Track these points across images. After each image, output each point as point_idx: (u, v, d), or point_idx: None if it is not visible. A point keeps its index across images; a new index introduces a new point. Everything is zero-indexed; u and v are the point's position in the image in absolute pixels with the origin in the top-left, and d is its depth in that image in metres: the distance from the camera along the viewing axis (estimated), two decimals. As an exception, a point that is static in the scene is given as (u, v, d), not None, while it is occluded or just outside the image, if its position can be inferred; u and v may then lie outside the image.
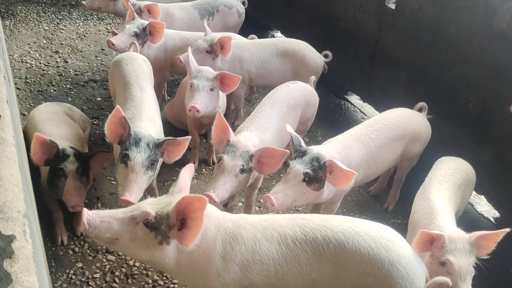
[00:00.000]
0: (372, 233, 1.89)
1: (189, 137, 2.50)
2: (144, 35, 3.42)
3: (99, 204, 3.02)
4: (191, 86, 2.97)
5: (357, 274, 1.85)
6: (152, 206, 1.77)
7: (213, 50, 3.41)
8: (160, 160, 2.52)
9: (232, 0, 4.54)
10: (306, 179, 2.35)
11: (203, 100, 2.95)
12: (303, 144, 2.47)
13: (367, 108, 4.46)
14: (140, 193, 2.37)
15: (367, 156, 2.66)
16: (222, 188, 2.45)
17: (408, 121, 2.91)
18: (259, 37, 3.99)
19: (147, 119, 2.69)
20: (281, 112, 2.96)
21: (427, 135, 3.05)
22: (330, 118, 4.24)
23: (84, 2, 4.24)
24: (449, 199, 2.40)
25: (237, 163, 2.47)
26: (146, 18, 3.69)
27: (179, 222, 1.75)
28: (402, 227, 3.22)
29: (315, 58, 3.77)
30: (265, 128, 2.81)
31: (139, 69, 3.08)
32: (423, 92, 3.58)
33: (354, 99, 4.61)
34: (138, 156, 2.35)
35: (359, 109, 4.49)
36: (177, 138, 2.46)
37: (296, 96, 3.12)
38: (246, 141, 2.55)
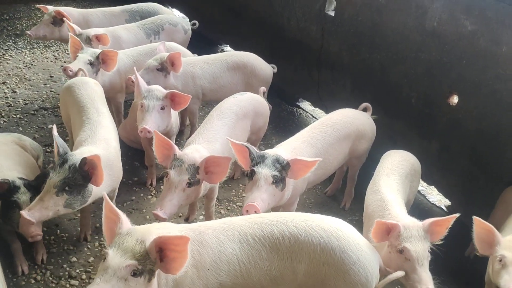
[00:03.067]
0: (323, 224, 1.99)
1: (98, 155, 2.37)
2: (98, 63, 3.44)
3: (58, 231, 2.99)
4: (141, 106, 3.00)
5: (312, 265, 1.94)
6: (126, 256, 1.70)
7: (164, 68, 3.46)
8: (90, 186, 2.45)
9: (177, 17, 4.61)
10: (275, 181, 2.42)
11: (154, 120, 2.98)
12: (256, 150, 2.53)
13: (318, 112, 4.59)
14: (44, 213, 2.33)
15: (316, 157, 2.75)
16: (170, 204, 2.47)
17: (351, 120, 3.04)
18: (209, 53, 4.07)
19: (100, 141, 2.69)
20: (230, 123, 3.02)
21: (372, 132, 3.19)
22: (284, 126, 4.34)
23: (29, 32, 4.20)
24: (398, 189, 2.52)
25: (183, 177, 2.49)
26: (95, 46, 3.72)
27: (158, 254, 1.75)
28: (360, 224, 3.30)
29: (265, 68, 3.88)
30: (214, 139, 2.87)
31: (93, 92, 3.09)
32: (368, 93, 3.73)
33: (306, 105, 4.74)
34: (55, 176, 2.35)
35: (311, 114, 4.62)
36: (89, 157, 2.35)
37: (244, 106, 3.19)
38: (193, 154, 2.59)
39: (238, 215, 3.26)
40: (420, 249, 2.14)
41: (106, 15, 4.50)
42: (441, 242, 2.24)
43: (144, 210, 3.26)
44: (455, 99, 3.16)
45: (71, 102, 3.09)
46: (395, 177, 2.58)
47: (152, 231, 1.79)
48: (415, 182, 2.82)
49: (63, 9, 4.30)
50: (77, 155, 2.41)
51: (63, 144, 2.44)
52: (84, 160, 2.34)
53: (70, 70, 3.32)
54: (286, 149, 2.66)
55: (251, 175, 2.48)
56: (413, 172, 2.75)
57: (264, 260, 1.94)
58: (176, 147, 2.58)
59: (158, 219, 2.44)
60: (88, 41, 3.75)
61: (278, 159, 2.46)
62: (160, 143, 2.57)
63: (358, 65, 3.81)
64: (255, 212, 2.35)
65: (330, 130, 2.89)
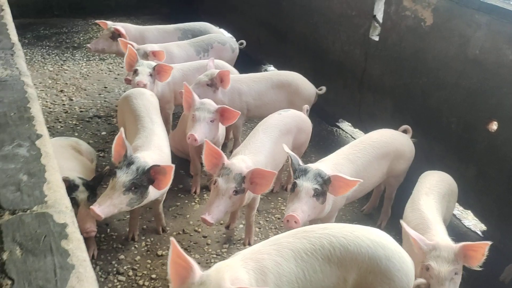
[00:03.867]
0: (368, 234, 2.11)
1: (173, 166, 2.61)
2: (154, 75, 3.69)
3: (108, 230, 3.21)
4: (193, 117, 3.21)
5: (360, 273, 2.04)
6: None
7: (213, 83, 3.68)
8: (150, 189, 2.64)
9: (225, 37, 4.85)
10: (315, 194, 2.55)
11: (202, 130, 3.19)
12: (301, 163, 2.68)
13: (358, 133, 4.70)
14: (111, 210, 2.50)
15: (355, 174, 2.88)
16: (217, 210, 2.64)
17: (391, 140, 3.16)
18: (253, 71, 4.29)
19: (155, 148, 2.90)
20: (274, 137, 3.19)
21: (410, 153, 3.29)
22: (323, 144, 4.47)
23: (89, 45, 4.53)
24: (437, 209, 2.62)
25: (231, 185, 2.67)
26: (151, 60, 4.01)
27: None
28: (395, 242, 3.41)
29: (308, 87, 4.04)
30: (259, 151, 3.04)
31: (148, 103, 3.32)
32: (408, 116, 3.84)
33: (345, 125, 4.86)
34: (124, 176, 2.52)
35: (350, 135, 4.74)
36: (162, 165, 2.58)
37: (288, 122, 3.36)
38: (240, 164, 2.76)
39: (276, 227, 3.43)
40: (444, 270, 2.23)
41: (161, 32, 4.79)
42: (480, 269, 2.30)
43: (188, 216, 3.44)
44: (494, 126, 3.23)
45: (128, 110, 3.33)
46: (433, 196, 2.68)
47: (225, 277, 1.80)
48: (452, 203, 2.91)
49: (121, 25, 4.61)
50: (141, 158, 2.61)
51: (130, 147, 2.65)
52: (156, 167, 2.54)
53: (143, 84, 3.59)
54: (327, 165, 2.79)
55: (293, 187, 2.61)
56: (450, 193, 2.84)
57: (318, 273, 2.02)
58: (225, 157, 2.76)
59: (205, 223, 2.61)
60: (145, 56, 4.02)
61: (320, 173, 2.60)
62: (210, 152, 2.76)
63: (400, 89, 3.92)
64: (295, 222, 2.49)
65: (370, 149, 3.02)
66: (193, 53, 4.46)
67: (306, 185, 2.56)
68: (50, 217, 1.05)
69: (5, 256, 0.95)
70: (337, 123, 4.90)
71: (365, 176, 2.94)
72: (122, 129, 2.63)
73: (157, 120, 3.25)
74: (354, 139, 4.66)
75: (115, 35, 4.45)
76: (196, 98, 3.29)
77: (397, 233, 3.43)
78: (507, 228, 3.23)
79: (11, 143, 1.26)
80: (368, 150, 3.00)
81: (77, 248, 0.99)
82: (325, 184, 2.58)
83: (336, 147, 4.49)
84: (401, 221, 2.49)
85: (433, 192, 2.72)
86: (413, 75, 3.78)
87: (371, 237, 2.09)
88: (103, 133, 4.28)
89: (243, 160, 2.82)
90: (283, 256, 1.99)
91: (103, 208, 2.45)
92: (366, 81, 4.29)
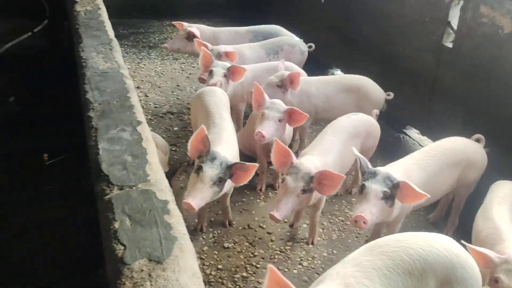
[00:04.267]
0: (442, 243, 2.09)
1: (257, 165, 2.77)
2: (228, 75, 3.84)
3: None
4: (262, 115, 3.31)
5: (438, 283, 2.03)
6: None
7: (283, 85, 3.77)
8: (229, 182, 2.79)
9: (295, 39, 4.93)
10: (384, 197, 2.57)
11: (270, 128, 3.28)
12: (370, 165, 2.70)
13: (426, 141, 4.62)
14: (202, 202, 2.65)
15: (426, 180, 2.86)
16: (285, 208, 2.72)
17: (463, 148, 3.11)
18: (319, 74, 4.35)
19: (225, 143, 3.03)
20: (342, 139, 3.22)
21: (482, 162, 3.21)
22: (390, 150, 4.44)
23: (165, 45, 4.77)
24: (510, 219, 2.55)
25: (299, 184, 2.73)
26: (224, 61, 4.16)
27: None
28: (461, 253, 3.34)
29: (377, 92, 4.04)
30: (327, 152, 3.08)
31: (219, 100, 3.46)
32: (480, 126, 3.73)
33: (413, 133, 4.79)
34: (210, 170, 2.66)
35: (418, 143, 4.67)
36: (246, 163, 2.73)
37: (357, 126, 3.39)
38: (308, 164, 2.82)
39: (339, 229, 3.46)
40: None
41: (233, 33, 4.95)
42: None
43: (253, 212, 3.55)
44: None
45: (200, 107, 3.48)
46: (506, 206, 2.62)
47: None
48: (524, 214, 2.82)
49: (196, 26, 4.81)
50: (221, 153, 2.75)
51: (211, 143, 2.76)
52: (240, 164, 2.71)
53: (217, 85, 3.76)
54: (397, 169, 2.79)
55: (361, 189, 2.64)
56: (521, 204, 2.76)
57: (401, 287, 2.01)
58: (293, 156, 2.83)
59: (273, 220, 2.70)
60: (219, 56, 4.18)
61: (389, 177, 2.61)
62: (279, 150, 2.84)
63: (473, 97, 3.83)
64: (364, 223, 2.51)
65: (441, 156, 2.98)
66: (263, 55, 4.58)
67: (375, 187, 2.58)
68: (153, 193, 1.17)
69: (116, 225, 1.07)
70: (404, 130, 4.84)
71: (435, 184, 2.91)
72: (203, 126, 2.76)
73: (227, 117, 3.38)
74: (422, 146, 4.60)
75: (190, 36, 4.65)
76: (266, 97, 3.39)
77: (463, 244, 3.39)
78: None
79: (116, 127, 1.40)
80: (439, 157, 2.97)
81: (178, 223, 1.10)
82: (394, 188, 2.59)
83: (403, 154, 4.44)
84: (463, 242, 2.35)
85: (506, 202, 2.65)
86: (488, 84, 3.68)
87: (446, 246, 2.07)
88: (175, 128, 4.48)
89: (312, 160, 2.88)
90: (368, 277, 1.95)
91: (196, 201, 2.58)
92: (437, 88, 4.22)
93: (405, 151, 4.51)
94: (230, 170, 2.71)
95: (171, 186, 2.91)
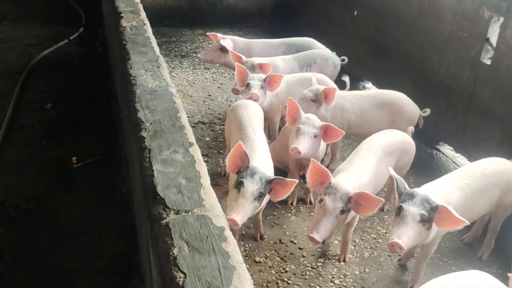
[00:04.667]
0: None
1: (296, 181, 2.78)
2: (264, 86, 3.88)
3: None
4: (297, 130, 3.30)
5: None
6: None
7: (318, 99, 3.76)
8: (267, 196, 2.82)
9: (328, 52, 4.92)
10: (422, 220, 2.53)
11: (306, 144, 3.27)
12: (407, 186, 2.67)
13: (459, 158, 4.55)
14: (245, 218, 2.66)
15: (464, 201, 2.81)
16: (324, 229, 2.72)
17: (503, 170, 3.04)
18: (351, 88, 4.34)
19: (260, 158, 3.03)
20: (378, 157, 3.19)
21: None
22: (422, 167, 4.38)
23: (199, 55, 4.81)
24: None
25: (338, 205, 2.73)
26: (257, 72, 4.19)
27: None
28: (497, 276, 3.22)
29: (412, 108, 3.99)
30: (363, 170, 3.06)
31: (252, 114, 3.48)
32: (518, 145, 3.66)
33: (446, 149, 4.72)
34: (251, 185, 2.66)
35: (451, 159, 4.60)
36: (286, 179, 2.74)
37: (393, 143, 3.35)
38: (346, 184, 2.81)
39: (371, 246, 3.43)
40: None
41: (266, 45, 4.97)
42: None
43: (285, 226, 3.54)
44: None
45: (234, 120, 3.50)
46: None
47: None
48: None
49: (230, 37, 4.84)
50: (260, 168, 2.75)
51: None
52: (280, 179, 2.70)
53: (256, 97, 3.77)
54: (435, 190, 2.75)
55: (398, 211, 2.60)
56: None
57: None
58: (331, 176, 2.81)
59: (313, 241, 2.71)
60: (252, 68, 4.20)
61: (427, 199, 2.57)
62: (315, 170, 2.83)
63: (511, 115, 3.75)
64: (400, 248, 2.49)
65: (480, 177, 2.93)
66: (296, 67, 4.58)
67: (413, 210, 2.54)
68: (209, 219, 1.17)
69: (175, 251, 1.08)
70: (437, 146, 4.77)
71: (472, 206, 2.87)
72: (241, 142, 2.77)
73: (260, 131, 3.39)
74: (455, 163, 4.53)
75: (224, 47, 4.67)
76: (301, 112, 3.38)
77: (499, 266, 3.32)
78: None
79: (168, 148, 1.42)
80: (478, 178, 2.92)
81: (235, 251, 1.10)
82: (432, 211, 2.55)
83: (436, 170, 4.43)
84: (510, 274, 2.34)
85: None
86: (527, 103, 3.61)
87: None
88: (207, 139, 4.50)
89: (349, 179, 2.87)
90: None
91: (240, 217, 2.59)
92: (473, 105, 4.15)
93: (438, 167, 4.47)
94: (269, 185, 2.71)
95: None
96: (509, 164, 3.15)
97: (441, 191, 2.76)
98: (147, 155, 1.37)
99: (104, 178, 3.75)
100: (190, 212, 1.19)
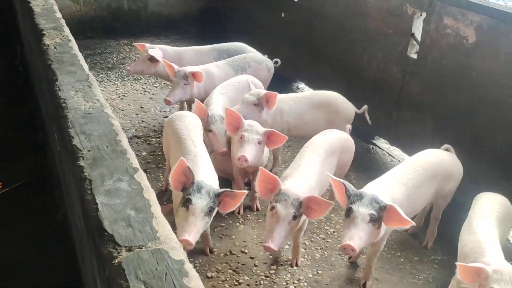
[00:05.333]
0: None
1: (246, 192, 2.73)
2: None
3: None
4: (241, 138, 3.23)
5: None
6: None
7: (260, 103, 3.72)
8: (216, 209, 2.72)
9: (261, 56, 4.89)
10: (372, 220, 2.54)
11: (251, 151, 3.22)
12: (353, 188, 2.68)
13: (395, 151, 4.68)
14: (198, 236, 2.57)
15: (407, 195, 2.88)
16: (279, 237, 2.68)
17: (439, 161, 3.16)
18: (283, 89, 4.37)
19: (204, 170, 2.92)
20: (321, 158, 3.20)
21: (459, 173, 3.28)
22: (361, 162, 4.46)
23: (128, 68, 4.60)
24: (494, 233, 2.59)
25: (290, 211, 2.69)
26: (191, 82, 4.12)
27: None
28: (443, 263, 3.38)
29: (348, 107, 4.06)
30: (309, 174, 3.05)
31: (191, 125, 3.35)
32: (451, 135, 3.81)
33: (381, 143, 4.85)
34: (199, 201, 2.56)
35: (387, 153, 4.72)
36: (235, 191, 2.68)
37: (333, 143, 3.38)
38: (295, 189, 2.78)
39: (321, 247, 3.42)
40: None
41: (197, 53, 4.85)
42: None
43: (234, 236, 3.45)
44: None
45: (171, 133, 3.35)
46: (491, 220, 2.66)
47: None
48: (507, 227, 2.88)
49: (159, 47, 4.69)
50: (206, 182, 2.65)
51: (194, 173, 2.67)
52: (229, 191, 2.63)
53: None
54: (380, 188, 2.78)
55: (348, 212, 2.60)
56: (507, 216, 2.81)
57: None
58: (281, 182, 2.76)
59: (269, 251, 2.65)
60: (185, 77, 4.09)
61: (375, 199, 2.59)
62: (264, 178, 2.77)
63: (441, 106, 3.90)
64: (352, 250, 2.49)
65: (420, 170, 3.01)
66: (231, 72, 4.51)
67: (362, 210, 2.55)
68: (166, 253, 1.07)
69: (133, 295, 0.97)
70: (372, 141, 4.89)
71: (415, 199, 2.94)
72: (183, 158, 2.66)
73: (200, 142, 3.27)
74: (392, 156, 4.66)
75: (154, 57, 4.51)
76: (243, 120, 3.32)
77: (444, 253, 3.42)
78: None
79: (111, 177, 1.29)
80: (418, 172, 3.00)
81: (198, 286, 1.01)
82: (380, 211, 2.57)
83: (374, 164, 4.53)
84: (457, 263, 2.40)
85: (491, 215, 2.69)
86: (456, 93, 3.76)
87: None
88: (144, 153, 4.32)
89: (297, 184, 2.84)
90: None
91: (193, 236, 2.48)
92: (404, 98, 4.28)
93: (375, 161, 4.58)
94: (218, 198, 2.62)
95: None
96: (445, 154, 3.27)
97: (386, 188, 2.80)
98: (88, 187, 1.24)
99: (36, 205, 3.48)
100: (143, 247, 1.08)
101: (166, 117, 4.35)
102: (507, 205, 2.87)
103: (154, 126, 4.78)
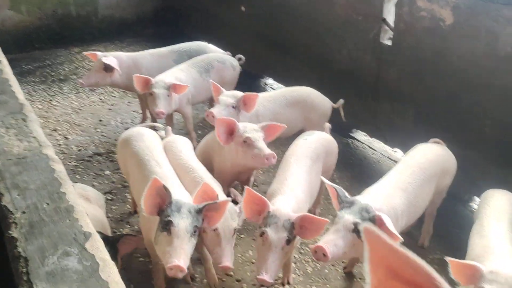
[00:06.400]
0: None
1: (229, 199, 2.43)
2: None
3: (132, 287, 2.88)
4: (245, 141, 3.01)
5: None
6: None
7: (238, 106, 3.42)
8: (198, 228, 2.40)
9: (224, 55, 4.56)
10: (356, 230, 2.27)
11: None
12: (347, 194, 2.41)
13: (376, 143, 4.46)
14: (187, 261, 2.23)
15: (409, 202, 2.63)
16: (273, 266, 2.36)
17: (436, 157, 2.93)
18: (251, 87, 4.06)
19: (177, 190, 2.59)
20: (307, 167, 2.92)
21: (454, 166, 3.09)
22: (342, 159, 4.16)
23: (80, 81, 4.19)
24: (507, 236, 2.37)
25: (282, 235, 2.37)
26: (170, 94, 3.78)
27: None
28: (442, 262, 3.14)
29: (324, 102, 3.81)
30: (297, 187, 2.75)
31: (152, 144, 2.97)
32: (434, 122, 3.60)
33: (360, 136, 4.62)
34: (181, 222, 2.24)
35: (368, 146, 4.49)
36: (216, 201, 2.36)
37: (317, 148, 3.11)
38: (285, 208, 2.48)
39: (312, 259, 3.14)
40: None
41: (155, 56, 4.46)
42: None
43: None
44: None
45: (130, 155, 2.96)
46: (503, 223, 2.44)
47: None
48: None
49: (113, 54, 4.29)
50: (183, 199, 2.36)
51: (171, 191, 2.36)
52: (210, 204, 2.33)
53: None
54: (378, 197, 2.52)
55: (336, 219, 2.37)
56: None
57: None
58: (269, 203, 2.46)
59: (264, 284, 2.33)
60: (167, 87, 3.72)
61: (367, 208, 2.34)
62: (251, 199, 2.45)
63: (422, 93, 3.69)
64: (323, 255, 2.22)
65: (419, 171, 2.77)
66: (196, 75, 4.15)
67: (347, 217, 2.30)
68: None
69: None
70: (351, 134, 4.65)
71: (417, 202, 2.72)
72: (156, 177, 2.32)
73: (165, 161, 2.90)
74: (372, 149, 4.43)
75: (109, 66, 4.11)
76: (238, 124, 3.07)
77: (442, 252, 3.20)
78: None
79: (55, 251, 0.95)
80: (417, 174, 2.76)
81: None
82: (369, 221, 2.30)
83: (356, 159, 4.29)
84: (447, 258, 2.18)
85: (503, 218, 2.48)
86: (436, 78, 3.54)
87: None
88: (107, 172, 3.93)
89: (286, 201, 2.54)
90: None
91: (183, 261, 2.16)
92: (381, 88, 4.05)
93: (357, 156, 4.34)
94: (201, 215, 2.31)
95: (116, 263, 2.46)
96: (438, 149, 3.05)
97: (386, 197, 2.54)
98: (24, 269, 0.90)
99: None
100: None
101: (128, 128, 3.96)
102: None
103: (115, 140, 4.35)
